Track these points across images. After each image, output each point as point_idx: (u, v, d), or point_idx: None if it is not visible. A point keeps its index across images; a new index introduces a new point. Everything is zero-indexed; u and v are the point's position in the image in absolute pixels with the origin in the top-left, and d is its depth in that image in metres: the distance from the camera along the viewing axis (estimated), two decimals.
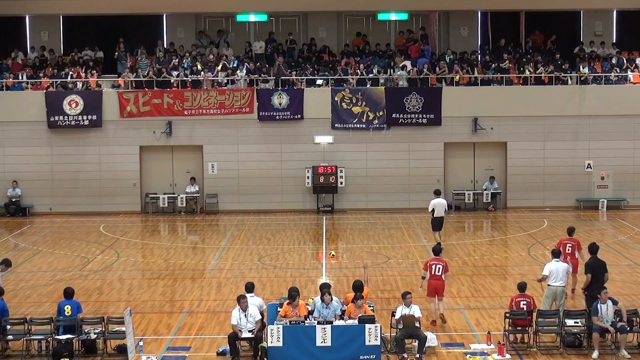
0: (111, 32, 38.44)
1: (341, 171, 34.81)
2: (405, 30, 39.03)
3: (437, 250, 19.62)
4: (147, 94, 35.00)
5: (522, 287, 17.58)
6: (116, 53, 37.29)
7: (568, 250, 20.98)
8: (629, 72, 36.16)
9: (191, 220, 34.20)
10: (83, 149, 35.19)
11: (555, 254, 18.83)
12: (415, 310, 16.90)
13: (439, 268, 18.88)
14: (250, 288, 17.63)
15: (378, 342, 16.06)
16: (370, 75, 35.84)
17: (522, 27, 38.84)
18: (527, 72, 35.67)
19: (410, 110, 35.04)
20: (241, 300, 16.80)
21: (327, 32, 39.08)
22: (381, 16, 39.24)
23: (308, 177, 34.82)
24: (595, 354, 16.42)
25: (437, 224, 27.07)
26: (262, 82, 35.58)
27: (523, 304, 17.26)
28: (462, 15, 39.18)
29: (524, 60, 36.70)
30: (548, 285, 18.25)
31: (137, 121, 35.07)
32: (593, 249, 18.79)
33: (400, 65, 36.19)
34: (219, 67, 35.98)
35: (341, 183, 34.88)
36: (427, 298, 19.04)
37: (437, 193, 27.52)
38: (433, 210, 26.92)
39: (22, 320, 17.33)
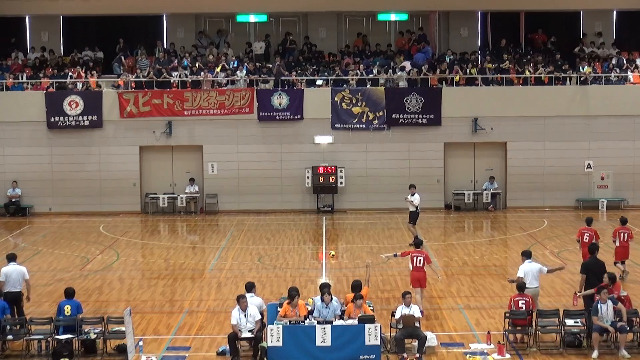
0: (111, 32, 38.44)
1: (341, 171, 34.82)
2: (405, 30, 39.02)
3: (419, 243, 20.26)
4: (147, 94, 35.01)
5: (521, 286, 17.58)
6: (116, 56, 37.28)
7: (585, 239, 21.69)
8: (629, 72, 36.16)
9: (191, 220, 34.20)
10: (83, 149, 35.19)
11: (527, 254, 18.49)
12: (415, 310, 16.89)
13: (420, 260, 19.50)
14: (249, 288, 17.63)
15: (378, 342, 16.06)
16: (370, 75, 35.85)
17: (522, 27, 38.83)
18: (527, 72, 35.67)
19: (410, 110, 35.05)
20: (241, 300, 16.79)
21: (327, 32, 39.07)
22: (381, 16, 39.22)
23: (308, 177, 34.82)
24: (595, 354, 16.42)
25: (417, 217, 27.87)
26: (262, 83, 35.59)
27: (522, 304, 17.26)
28: (462, 16, 39.17)
29: (524, 60, 36.71)
30: None
31: (137, 121, 35.08)
32: (592, 249, 18.79)
33: (400, 65, 36.17)
34: (219, 69, 35.95)
35: (341, 183, 34.89)
36: (411, 289, 19.32)
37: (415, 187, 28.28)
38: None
39: (22, 320, 17.34)
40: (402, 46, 38.25)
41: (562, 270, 20.24)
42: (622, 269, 22.26)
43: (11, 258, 18.65)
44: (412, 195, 28.00)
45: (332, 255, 26.08)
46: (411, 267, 19.56)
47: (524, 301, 17.29)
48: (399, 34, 39.28)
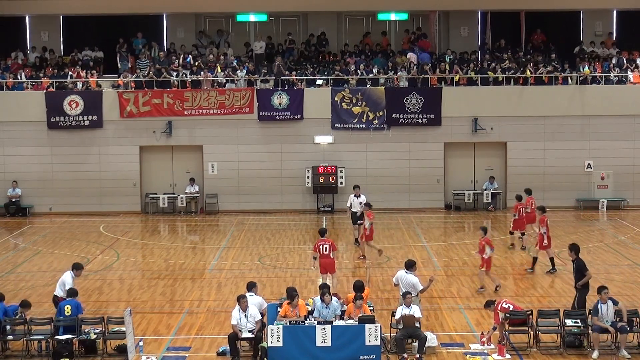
0: (111, 32, 38.43)
1: (341, 171, 34.81)
2: (404, 30, 39.00)
3: (322, 232, 21.32)
4: (147, 94, 35.00)
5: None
6: (118, 54, 37.25)
7: (522, 213, 26.46)
8: (629, 72, 36.15)
9: (191, 221, 34.20)
10: (83, 149, 35.19)
11: (408, 265, 18.27)
12: (415, 310, 16.89)
13: (327, 247, 20.80)
14: (250, 287, 17.63)
15: (378, 342, 16.08)
16: (370, 75, 35.84)
17: (522, 27, 38.79)
18: (528, 72, 35.66)
19: (410, 110, 35.05)
20: (241, 300, 16.80)
21: (327, 32, 39.04)
22: (381, 16, 39.21)
23: (308, 177, 34.82)
24: (595, 354, 16.43)
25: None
26: (262, 82, 35.59)
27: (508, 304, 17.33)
28: (462, 15, 39.16)
29: (524, 60, 36.69)
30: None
31: (137, 121, 35.07)
32: (576, 248, 18.74)
33: (407, 57, 36.04)
34: (220, 69, 35.91)
35: (341, 183, 34.87)
36: (320, 275, 20.85)
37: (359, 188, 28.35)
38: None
39: (22, 320, 17.33)
40: (405, 44, 38.18)
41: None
42: (521, 239, 26.76)
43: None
44: (358, 196, 27.68)
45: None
46: (318, 255, 20.75)
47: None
48: (397, 33, 39.30)
